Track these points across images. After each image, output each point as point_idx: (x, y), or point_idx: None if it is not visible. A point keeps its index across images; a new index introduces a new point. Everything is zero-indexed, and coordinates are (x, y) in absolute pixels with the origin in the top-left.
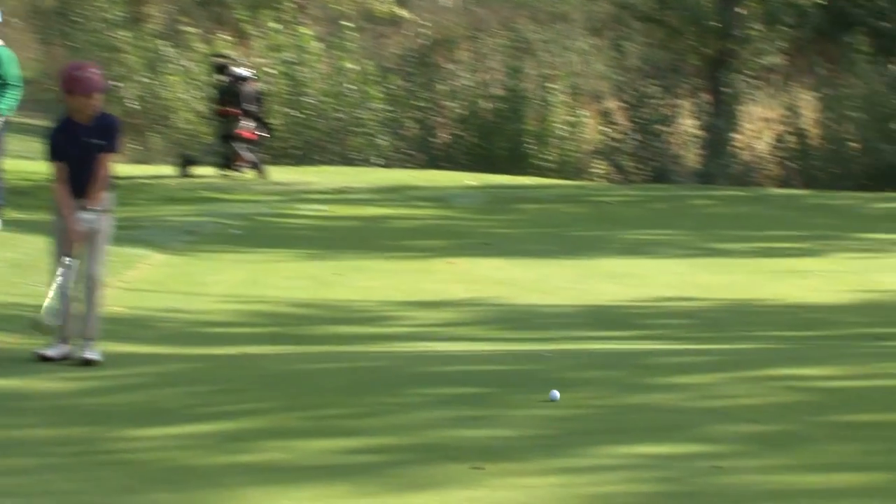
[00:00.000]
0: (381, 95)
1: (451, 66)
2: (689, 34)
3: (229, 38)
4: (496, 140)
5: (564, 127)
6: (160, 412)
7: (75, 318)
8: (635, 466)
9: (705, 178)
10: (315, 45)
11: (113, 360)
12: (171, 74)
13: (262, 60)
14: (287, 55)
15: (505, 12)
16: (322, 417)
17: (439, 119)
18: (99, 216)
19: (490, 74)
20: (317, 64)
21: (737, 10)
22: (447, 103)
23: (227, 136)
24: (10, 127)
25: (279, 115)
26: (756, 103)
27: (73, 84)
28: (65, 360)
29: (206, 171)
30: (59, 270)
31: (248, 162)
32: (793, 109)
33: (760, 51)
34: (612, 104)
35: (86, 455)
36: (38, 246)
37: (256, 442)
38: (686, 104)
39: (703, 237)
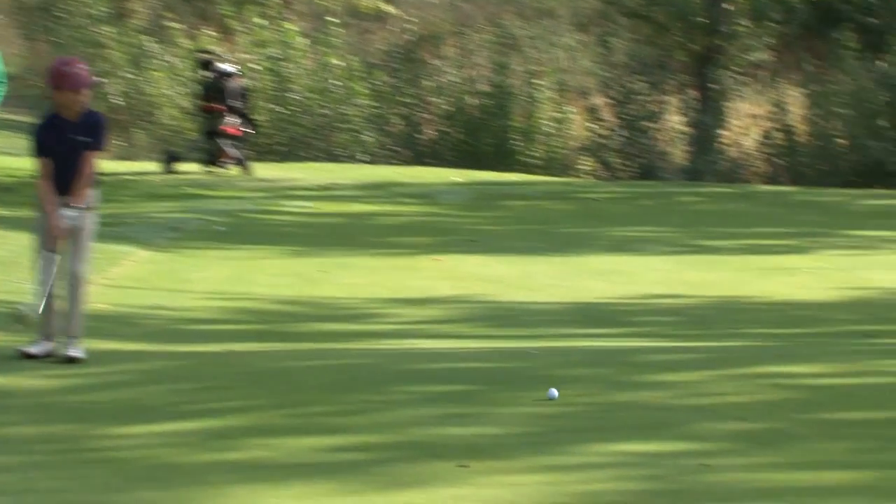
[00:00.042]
0: (367, 91)
1: (436, 62)
2: (675, 30)
3: (214, 33)
4: (482, 136)
5: (551, 123)
6: (144, 410)
7: (59, 315)
8: (623, 464)
9: (692, 174)
10: (300, 41)
11: (97, 357)
12: (155, 70)
13: (247, 56)
14: (272, 51)
15: (491, 8)
16: (307, 415)
17: (425, 115)
18: (82, 214)
19: (476, 70)
20: (302, 60)
21: (724, 5)
22: (433, 99)
23: (212, 133)
24: None
25: (264, 112)
26: (743, 100)
27: (61, 80)
28: (48, 358)
29: (190, 168)
30: (40, 264)
31: (232, 158)
32: (780, 106)
33: (748, 47)
34: (598, 100)
35: (70, 453)
36: (22, 243)
37: (241, 439)
38: (673, 100)
39: (690, 234)
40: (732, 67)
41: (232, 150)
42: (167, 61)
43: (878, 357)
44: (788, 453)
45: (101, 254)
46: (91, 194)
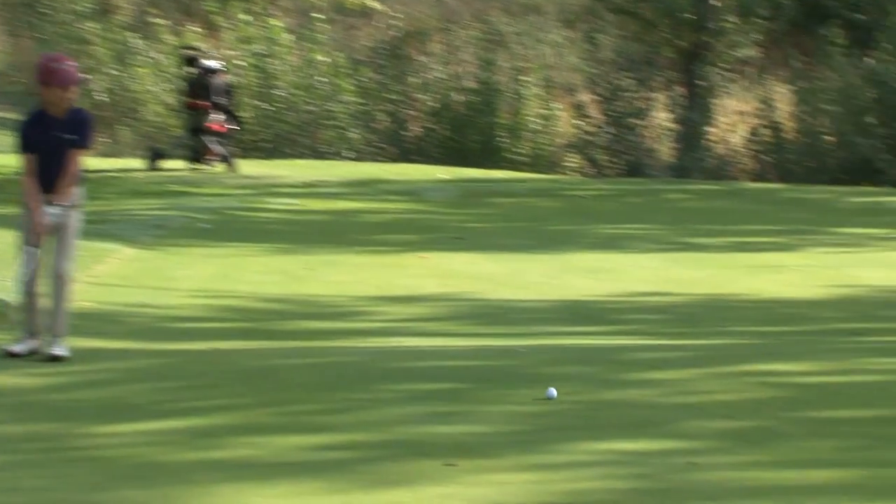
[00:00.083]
0: (353, 88)
1: (423, 59)
2: (663, 26)
3: (199, 29)
4: (469, 133)
5: (537, 120)
6: (129, 408)
7: (43, 313)
8: (610, 463)
9: (680, 171)
10: (285, 37)
11: (81, 355)
12: (140, 67)
13: (232, 52)
14: (257, 47)
15: (477, 4)
16: (293, 413)
17: (411, 112)
18: (66, 211)
19: (462, 67)
20: (287, 56)
21: (711, 2)
22: (419, 96)
23: (197, 129)
24: None
25: (249, 108)
26: (731, 96)
27: (49, 76)
28: (32, 356)
29: (175, 165)
30: (22, 259)
31: (217, 155)
32: (767, 102)
33: (735, 43)
34: (585, 97)
35: (54, 451)
36: (6, 240)
37: (227, 438)
38: (660, 97)
39: (677, 232)
40: (720, 64)
41: (217, 147)
42: (152, 58)
43: (866, 355)
44: (776, 452)
45: (85, 251)
46: (76, 192)
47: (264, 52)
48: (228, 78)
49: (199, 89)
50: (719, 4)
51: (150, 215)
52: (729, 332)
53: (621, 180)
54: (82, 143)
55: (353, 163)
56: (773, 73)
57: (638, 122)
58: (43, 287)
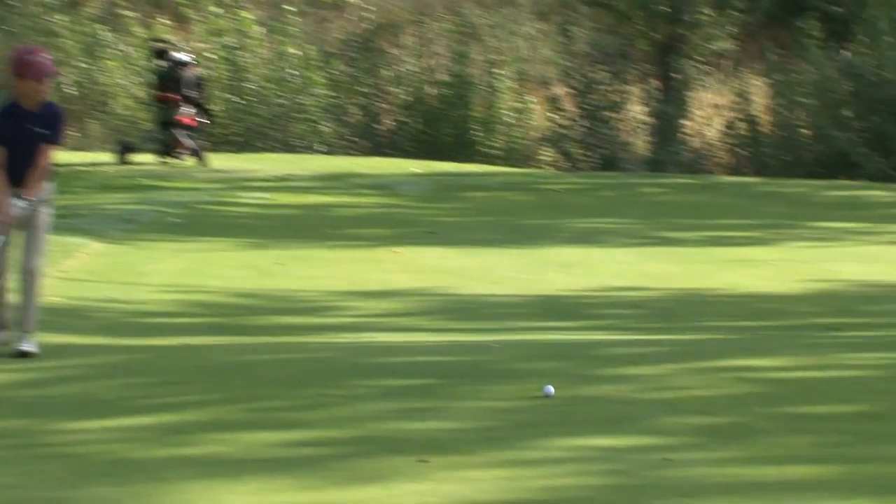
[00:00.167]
0: (324, 81)
1: (395, 51)
2: (637, 19)
3: (169, 22)
4: (442, 127)
5: (511, 113)
6: (99, 404)
7: (12, 308)
8: (584, 459)
9: (655, 165)
10: (256, 30)
11: (50, 351)
12: (109, 59)
13: (203, 45)
14: (228, 40)
15: None
16: (264, 410)
17: (383, 105)
18: (35, 206)
19: (435, 60)
20: (258, 49)
21: None
22: (392, 89)
23: (167, 123)
24: None
25: (220, 101)
26: (706, 89)
27: (24, 68)
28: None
29: (145, 159)
30: None
31: (188, 149)
32: (743, 95)
33: (711, 36)
34: (559, 90)
35: (23, 448)
36: None
37: (197, 435)
38: (635, 90)
39: (652, 226)
40: (695, 57)
41: (187, 141)
42: (121, 50)
43: (843, 350)
44: (752, 448)
45: (54, 246)
46: (46, 187)
47: (235, 45)
48: (199, 71)
49: (169, 82)
50: None
51: (119, 210)
52: (705, 327)
53: (596, 174)
54: (54, 139)
55: (325, 156)
56: (749, 65)
57: (613, 115)
58: (12, 282)
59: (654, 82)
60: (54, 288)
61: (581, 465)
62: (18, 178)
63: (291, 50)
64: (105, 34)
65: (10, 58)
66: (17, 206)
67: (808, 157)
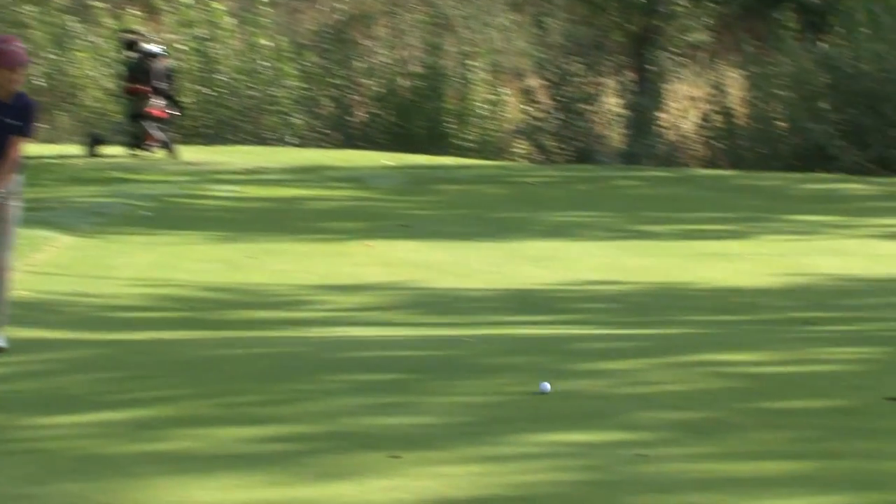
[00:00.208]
0: (296, 73)
1: (368, 43)
2: (612, 10)
3: (139, 13)
4: (415, 119)
5: (485, 105)
6: (68, 399)
7: None
8: (558, 454)
9: (630, 158)
10: (227, 21)
11: (19, 345)
12: (78, 51)
13: (173, 36)
14: (199, 31)
15: None
16: (235, 405)
17: (356, 97)
18: (4, 198)
19: (408, 51)
20: (229, 40)
21: None
22: (364, 81)
23: (137, 115)
24: None
25: (190, 93)
26: (682, 81)
27: None
28: None
29: (114, 151)
30: None
31: (158, 141)
32: (719, 88)
33: (686, 27)
34: (533, 82)
35: None
36: None
37: (167, 430)
38: (610, 82)
39: (627, 219)
40: (671, 48)
41: (157, 133)
42: (91, 41)
43: (819, 345)
44: (728, 443)
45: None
46: (15, 179)
47: (206, 36)
48: (169, 62)
49: (140, 74)
50: None
51: (89, 202)
52: (680, 322)
53: (570, 167)
54: (25, 131)
55: (297, 149)
56: (725, 57)
57: (587, 107)
58: None
59: (630, 74)
60: (23, 282)
61: (555, 461)
62: None
63: (263, 41)
64: (74, 25)
65: None
66: None
67: (785, 150)
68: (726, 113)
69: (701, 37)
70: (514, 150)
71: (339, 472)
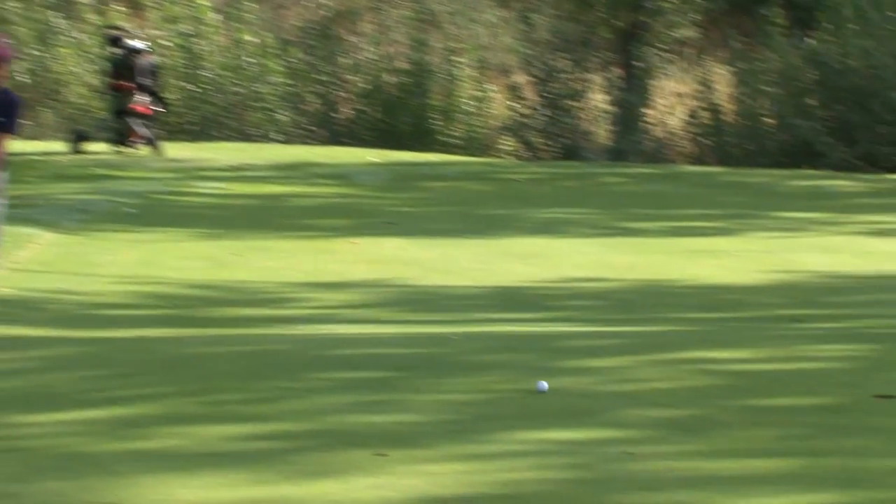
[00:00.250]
0: (281, 69)
1: (353, 39)
2: (599, 6)
3: (123, 8)
4: (400, 115)
5: (471, 102)
6: (51, 397)
7: None
8: (544, 452)
9: (616, 154)
10: (212, 17)
11: (2, 343)
12: (62, 47)
13: (158, 32)
14: (183, 27)
15: None
16: (219, 403)
17: (341, 94)
18: None
19: (394, 47)
20: (214, 36)
21: None
22: (350, 77)
23: (121, 111)
24: None
25: (175, 90)
26: (669, 78)
27: None
28: None
29: (99, 148)
30: None
31: (142, 138)
32: (706, 84)
33: (673, 23)
34: (520, 78)
35: None
36: None
37: (151, 428)
38: (597, 78)
39: (614, 216)
40: (658, 44)
41: (142, 130)
42: (75, 38)
43: (806, 342)
44: (714, 441)
45: (6, 237)
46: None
47: (190, 32)
48: (154, 58)
49: (124, 70)
50: None
51: (73, 200)
52: (666, 319)
53: (557, 163)
54: (9, 127)
55: (282, 146)
56: (713, 53)
57: (574, 103)
58: None
59: (616, 70)
60: (6, 279)
61: (541, 459)
62: None
63: (248, 37)
64: (58, 21)
65: None
66: None
67: (772, 147)
68: (713, 109)
69: (688, 33)
70: (501, 146)
71: (325, 471)
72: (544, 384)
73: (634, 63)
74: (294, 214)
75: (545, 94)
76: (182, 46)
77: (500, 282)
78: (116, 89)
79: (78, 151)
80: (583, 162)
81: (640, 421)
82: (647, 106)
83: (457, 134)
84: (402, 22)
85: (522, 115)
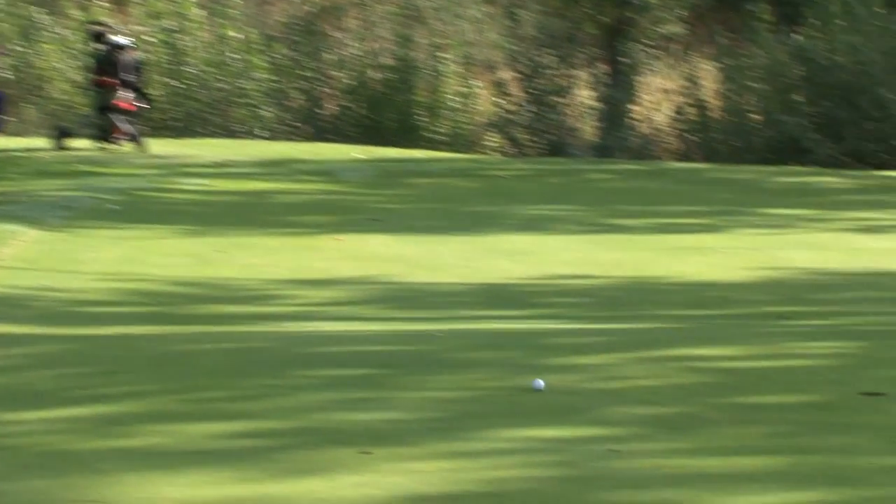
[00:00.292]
0: (266, 65)
1: (338, 35)
2: (585, 2)
3: (106, 4)
4: (385, 112)
5: (456, 98)
6: (34, 395)
7: None
8: (529, 450)
9: (602, 151)
10: (196, 13)
11: None
12: (45, 43)
13: (141, 28)
14: (167, 23)
15: None
16: (204, 400)
17: (326, 90)
18: None
19: (379, 43)
20: (198, 32)
21: None
22: (334, 73)
23: (105, 108)
24: None
25: (159, 86)
26: (655, 74)
27: None
28: None
29: (82, 144)
30: None
31: (126, 134)
32: (693, 80)
33: (660, 19)
34: (505, 74)
35: None
36: None
37: (135, 426)
38: (583, 75)
39: (600, 213)
40: (644, 40)
41: (125, 126)
42: (58, 33)
43: (793, 339)
44: (700, 438)
45: None
46: None
47: (174, 28)
48: (137, 54)
49: (107, 66)
50: None
51: (56, 196)
52: (653, 316)
53: (542, 160)
54: None
55: (267, 142)
56: (699, 49)
57: (560, 100)
58: None
59: (602, 66)
60: None
61: (526, 457)
62: None
63: (232, 33)
64: (41, 17)
65: None
66: None
67: (759, 143)
68: (700, 105)
69: (674, 29)
70: (486, 143)
71: (310, 469)
72: (540, 382)
73: (620, 59)
74: (278, 211)
75: (531, 91)
76: (166, 42)
77: (486, 279)
78: (100, 85)
79: (61, 148)
80: (569, 158)
81: (627, 419)
82: (633, 102)
83: (442, 130)
84: (386, 18)
85: (508, 111)
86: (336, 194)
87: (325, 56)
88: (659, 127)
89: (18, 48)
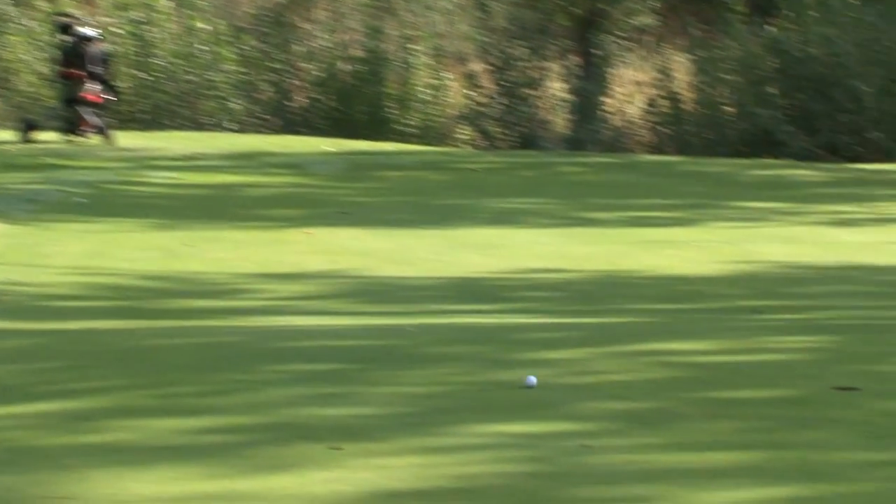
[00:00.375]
0: (234, 57)
1: (308, 26)
2: None
3: None
4: (355, 104)
5: (427, 90)
6: (1, 390)
7: None
8: (500, 445)
9: (574, 144)
10: (164, 4)
11: None
12: (11, 35)
13: (109, 20)
14: (134, 14)
15: None
16: (171, 396)
17: (295, 82)
18: None
19: (349, 35)
20: (166, 23)
21: None
22: (304, 65)
23: (72, 100)
24: None
25: (126, 78)
26: (627, 66)
27: None
28: None
29: (48, 137)
30: None
31: (93, 127)
32: (665, 72)
33: (632, 11)
34: (477, 66)
35: None
36: None
37: (102, 421)
38: (554, 67)
39: (572, 206)
40: (616, 32)
41: (92, 119)
42: (24, 25)
43: (766, 333)
44: (673, 433)
45: None
46: None
47: (142, 20)
48: (105, 46)
49: (74, 58)
50: None
51: (22, 189)
52: (625, 310)
53: (514, 153)
54: None
55: (235, 134)
56: (672, 41)
57: (531, 92)
58: None
59: (574, 58)
60: None
61: (497, 452)
62: None
63: (200, 24)
64: (7, 8)
65: None
66: None
67: (732, 136)
68: (673, 98)
69: (647, 20)
70: (457, 135)
71: (279, 464)
72: (533, 378)
73: (592, 51)
74: (247, 204)
75: (502, 83)
76: (133, 34)
77: (457, 273)
78: (67, 77)
79: (27, 140)
80: (540, 151)
81: (598, 413)
82: (605, 94)
83: (413, 123)
84: (356, 9)
85: (479, 103)
86: (306, 187)
87: (295, 48)
88: (631, 119)
89: None
